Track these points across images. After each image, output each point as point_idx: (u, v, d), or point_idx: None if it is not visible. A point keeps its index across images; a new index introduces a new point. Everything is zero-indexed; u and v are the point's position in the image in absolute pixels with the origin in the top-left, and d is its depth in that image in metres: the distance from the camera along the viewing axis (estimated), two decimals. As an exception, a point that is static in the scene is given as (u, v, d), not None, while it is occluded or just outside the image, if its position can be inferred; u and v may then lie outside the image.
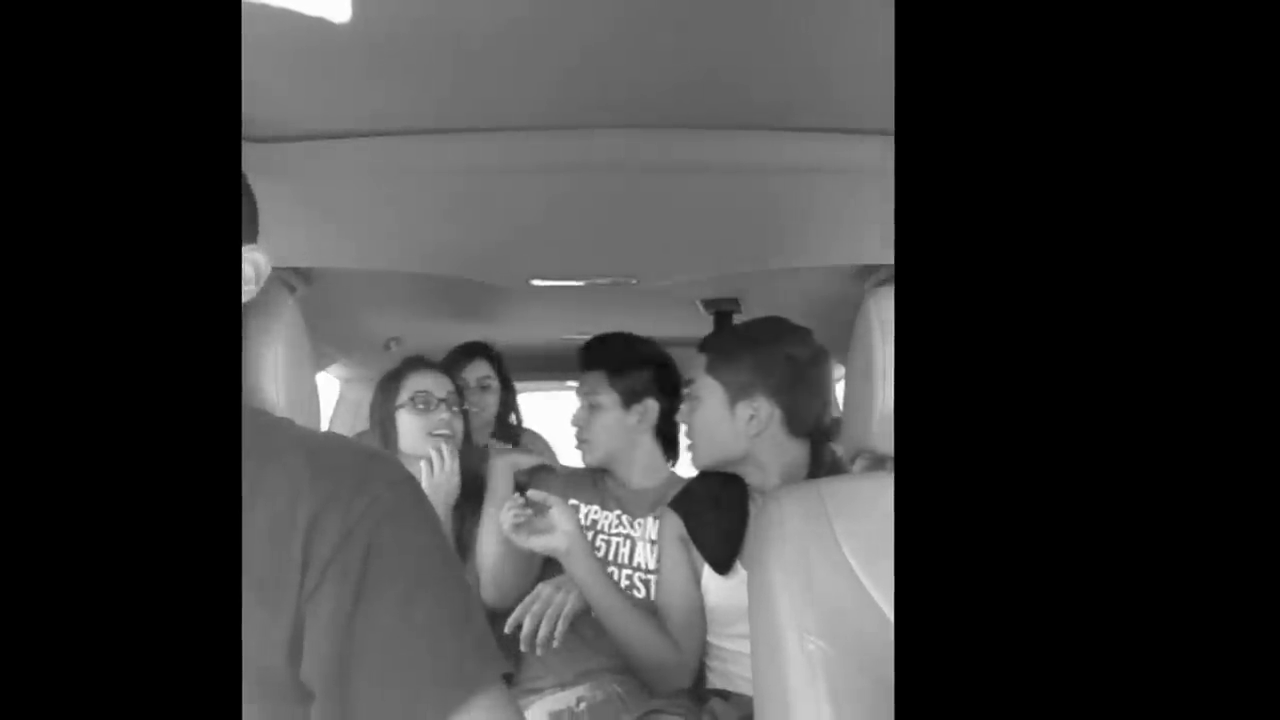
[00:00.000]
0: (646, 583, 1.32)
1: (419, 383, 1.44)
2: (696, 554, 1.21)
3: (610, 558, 1.36)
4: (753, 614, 0.78)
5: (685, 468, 1.51)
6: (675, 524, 1.24)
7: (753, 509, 1.19)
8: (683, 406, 1.26)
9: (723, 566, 1.17)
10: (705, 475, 1.26)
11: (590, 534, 1.36)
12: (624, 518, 1.38)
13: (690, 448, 1.25)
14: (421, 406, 1.42)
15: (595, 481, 1.45)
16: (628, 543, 1.36)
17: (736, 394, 1.16)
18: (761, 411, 1.15)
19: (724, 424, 1.16)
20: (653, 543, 1.34)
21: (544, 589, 1.21)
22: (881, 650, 0.66)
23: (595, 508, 1.41)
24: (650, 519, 1.37)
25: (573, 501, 1.39)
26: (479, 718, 0.51)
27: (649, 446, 1.43)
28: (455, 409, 1.46)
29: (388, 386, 1.46)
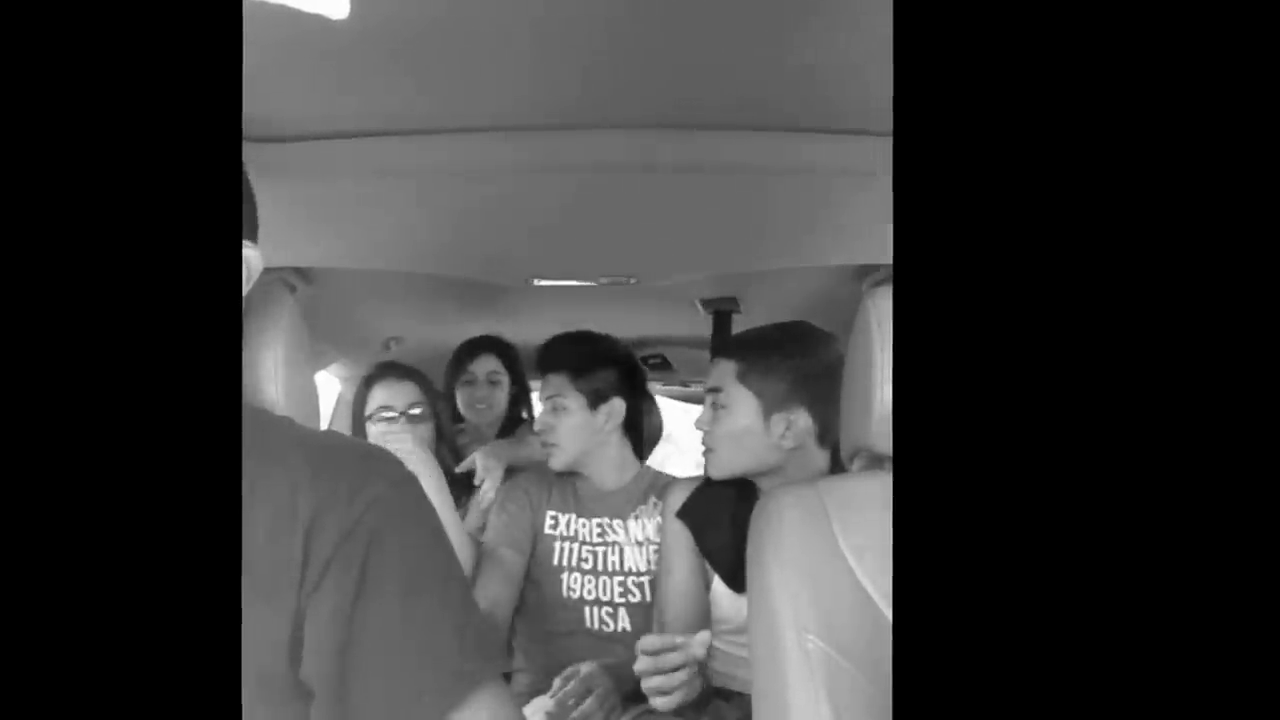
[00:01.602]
0: (641, 586, 1.31)
1: (380, 396, 1.44)
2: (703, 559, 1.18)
3: (600, 567, 1.33)
4: (751, 612, 0.78)
5: (656, 462, 1.50)
6: (684, 535, 1.20)
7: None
8: (703, 413, 1.18)
9: (742, 585, 1.12)
10: (713, 484, 1.19)
11: (574, 545, 1.35)
12: (605, 524, 1.36)
13: (707, 454, 1.17)
14: (381, 424, 1.42)
15: (568, 486, 1.41)
16: (615, 550, 1.34)
17: (773, 405, 1.09)
18: (799, 423, 1.08)
19: (756, 436, 1.10)
20: (639, 544, 1.33)
21: (599, 684, 1.12)
22: (880, 648, 0.66)
23: (573, 516, 1.38)
24: (632, 519, 1.35)
25: (551, 512, 1.38)
26: (479, 714, 0.52)
27: (618, 445, 1.40)
28: (416, 420, 1.43)
29: (360, 395, 1.47)
